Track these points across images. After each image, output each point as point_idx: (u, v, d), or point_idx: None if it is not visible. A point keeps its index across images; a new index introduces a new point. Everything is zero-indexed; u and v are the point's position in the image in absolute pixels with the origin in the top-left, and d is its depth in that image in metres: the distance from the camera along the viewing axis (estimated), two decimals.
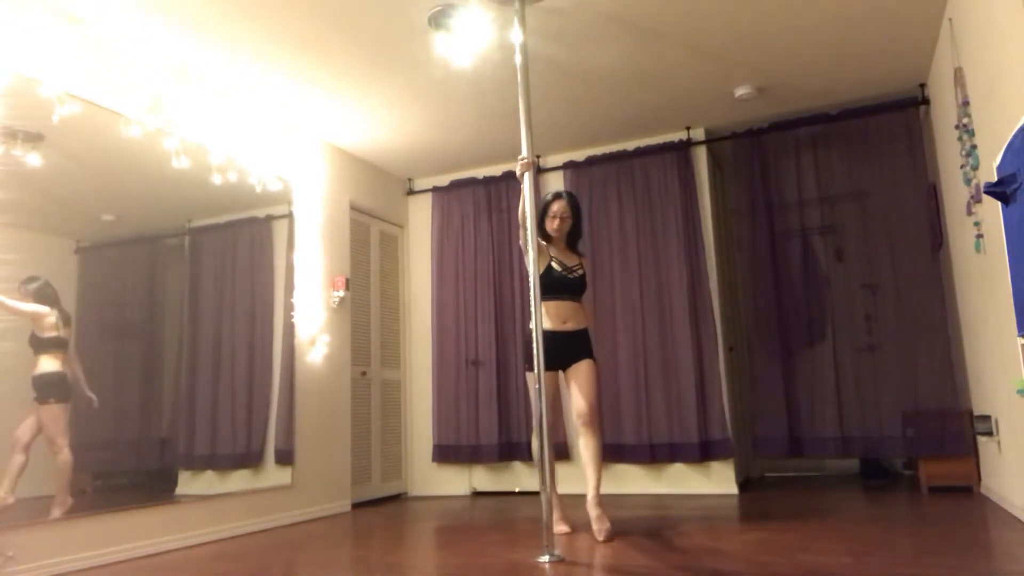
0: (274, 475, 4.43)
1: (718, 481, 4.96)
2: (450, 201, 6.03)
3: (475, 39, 3.90)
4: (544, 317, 3.57)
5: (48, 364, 3.25)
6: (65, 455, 3.26)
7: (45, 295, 3.26)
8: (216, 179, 4.25)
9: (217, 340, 4.18)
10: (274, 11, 3.59)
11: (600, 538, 3.27)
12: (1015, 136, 2.63)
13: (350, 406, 5.22)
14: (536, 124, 4.94)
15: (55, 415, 3.24)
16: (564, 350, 3.58)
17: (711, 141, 5.40)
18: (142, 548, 3.54)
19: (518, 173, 3.35)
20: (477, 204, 5.92)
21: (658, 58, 4.27)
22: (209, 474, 4.02)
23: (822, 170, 5.17)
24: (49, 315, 3.27)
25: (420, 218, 6.20)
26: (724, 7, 3.75)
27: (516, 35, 3.43)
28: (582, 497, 3.51)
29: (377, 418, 5.60)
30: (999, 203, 2.91)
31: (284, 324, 4.68)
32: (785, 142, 5.29)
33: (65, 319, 3.33)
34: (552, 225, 3.68)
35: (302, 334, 4.82)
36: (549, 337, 3.48)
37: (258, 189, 4.57)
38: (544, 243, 3.71)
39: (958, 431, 4.44)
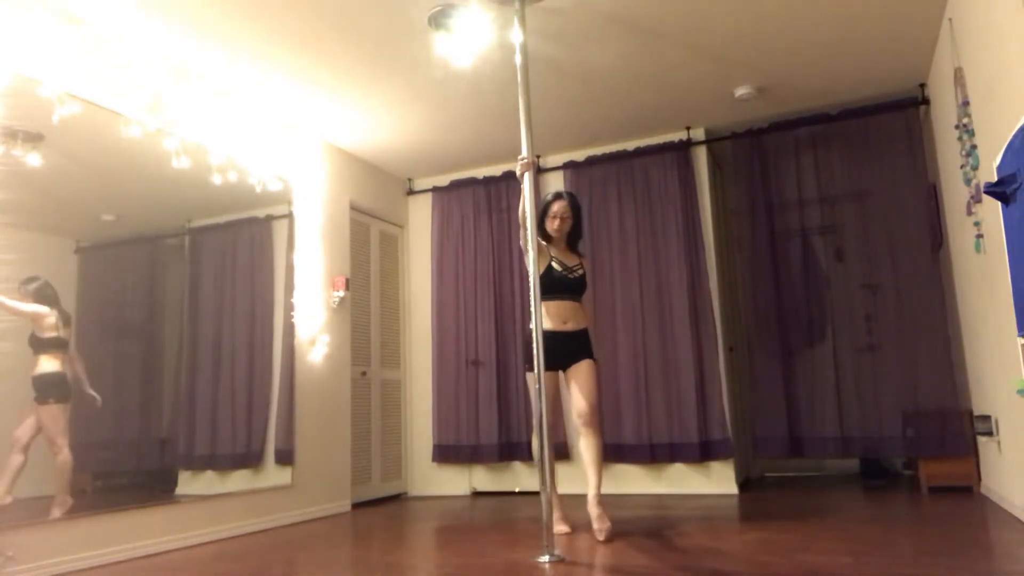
0: (274, 475, 4.43)
1: (718, 481, 4.96)
2: (450, 201, 6.03)
3: (475, 39, 3.90)
4: (544, 317, 3.57)
5: (48, 364, 3.25)
6: (65, 455, 3.26)
7: (45, 295, 3.26)
8: (216, 179, 4.25)
9: (217, 340, 4.18)
10: (274, 11, 3.59)
11: (601, 538, 3.27)
12: (1015, 136, 2.63)
13: (350, 406, 5.22)
14: (536, 124, 4.93)
15: (55, 415, 3.24)
16: (564, 350, 3.58)
17: (711, 141, 5.40)
18: (142, 548, 3.54)
19: (518, 173, 3.35)
20: (477, 204, 5.92)
21: (658, 58, 4.27)
22: (209, 474, 4.02)
23: (822, 170, 5.17)
24: (49, 315, 3.27)
25: (420, 218, 6.20)
26: (724, 7, 3.75)
27: (516, 35, 3.43)
28: (582, 497, 3.51)
29: (377, 418, 5.60)
30: (999, 203, 2.91)
31: (284, 324, 4.68)
32: (785, 142, 5.29)
33: (65, 319, 3.33)
34: (552, 225, 3.68)
35: (302, 334, 4.82)
36: (549, 337, 3.48)
37: (258, 189, 4.57)
38: (544, 243, 3.71)
39: (958, 431, 4.44)
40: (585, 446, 3.48)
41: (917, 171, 4.85)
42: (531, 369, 3.44)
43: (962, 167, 3.75)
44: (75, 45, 3.50)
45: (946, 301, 4.70)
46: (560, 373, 3.64)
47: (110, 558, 3.38)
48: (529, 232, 3.29)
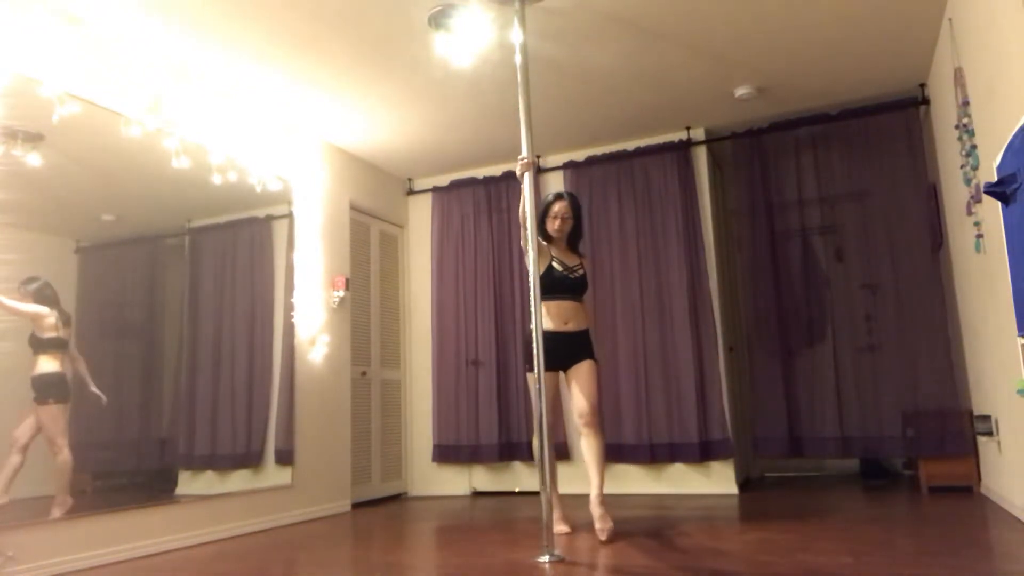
0: (274, 475, 4.43)
1: (718, 481, 4.96)
2: (450, 201, 6.03)
3: (475, 39, 3.90)
4: (545, 317, 3.57)
5: (47, 364, 3.25)
6: (65, 455, 3.26)
7: (45, 295, 3.26)
8: (216, 179, 4.25)
9: (217, 340, 4.18)
10: (274, 11, 3.59)
11: (603, 538, 3.27)
12: (1015, 136, 2.63)
13: (350, 406, 5.22)
14: (536, 124, 4.94)
15: (54, 415, 3.24)
16: (565, 351, 3.58)
17: (711, 141, 5.40)
18: (142, 548, 3.54)
19: (518, 173, 3.35)
20: (477, 204, 5.92)
21: (658, 58, 4.27)
22: (209, 474, 4.02)
23: (822, 170, 5.17)
24: (49, 315, 3.27)
25: (420, 218, 6.20)
26: (724, 7, 3.75)
27: (516, 35, 3.43)
28: (582, 497, 3.51)
29: (377, 418, 5.60)
30: (999, 203, 2.91)
31: (284, 324, 4.68)
32: (785, 142, 5.29)
33: (65, 319, 3.33)
34: (553, 225, 3.68)
35: (302, 334, 4.82)
36: (550, 338, 3.48)
37: (258, 189, 4.57)
38: (545, 243, 3.71)
39: (958, 431, 4.44)
40: (586, 446, 3.49)
41: (917, 171, 4.85)
42: (532, 369, 3.44)
43: (962, 167, 3.75)
44: (75, 45, 3.50)
45: (946, 301, 4.70)
46: (561, 373, 3.64)
47: (110, 558, 3.38)
48: (529, 232, 3.29)
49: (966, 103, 3.57)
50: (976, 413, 4.30)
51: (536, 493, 5.12)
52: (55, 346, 3.28)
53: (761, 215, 5.25)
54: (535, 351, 3.16)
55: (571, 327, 3.62)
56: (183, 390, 3.93)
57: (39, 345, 3.22)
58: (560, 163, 5.71)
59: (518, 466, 5.58)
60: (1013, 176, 2.65)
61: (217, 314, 4.20)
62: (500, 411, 5.54)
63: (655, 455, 5.06)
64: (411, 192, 6.25)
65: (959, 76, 3.66)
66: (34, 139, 3.28)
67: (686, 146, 5.33)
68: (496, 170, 5.95)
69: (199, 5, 3.51)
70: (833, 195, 5.13)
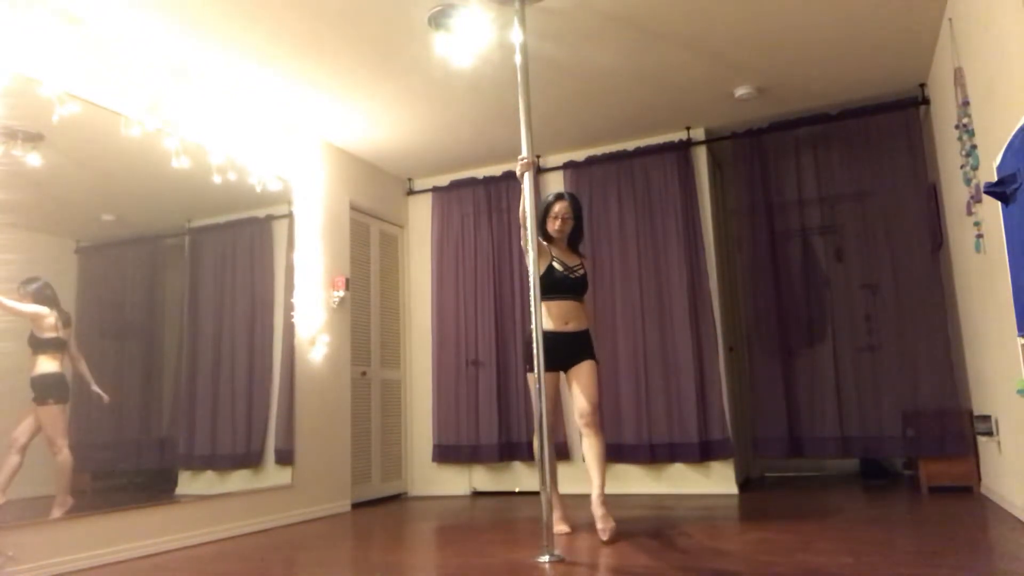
0: (274, 475, 4.43)
1: (718, 481, 4.96)
2: (450, 201, 6.03)
3: (475, 39, 3.90)
4: (546, 318, 3.57)
5: (47, 365, 3.25)
6: (65, 455, 3.26)
7: (44, 296, 3.26)
8: (216, 179, 4.25)
9: (217, 340, 4.18)
10: (274, 11, 3.59)
11: (604, 538, 3.26)
12: (1015, 136, 2.63)
13: (350, 406, 5.22)
14: (536, 124, 4.94)
15: (54, 416, 3.24)
16: (566, 351, 3.58)
17: (711, 141, 5.40)
18: (142, 548, 3.54)
19: (518, 173, 3.35)
20: (477, 204, 5.92)
21: (658, 58, 4.27)
22: (209, 474, 4.02)
23: (822, 170, 5.17)
24: (48, 316, 3.27)
25: (420, 218, 6.20)
26: (724, 7, 3.75)
27: (516, 35, 3.43)
28: (582, 497, 3.51)
29: (377, 418, 5.60)
30: (999, 203, 2.91)
31: (284, 324, 4.68)
32: (785, 142, 5.29)
33: (64, 320, 3.33)
34: (554, 226, 3.68)
35: (302, 334, 4.82)
36: (551, 338, 3.48)
37: (258, 189, 4.57)
38: (546, 243, 3.71)
39: (958, 431, 4.44)
40: (587, 447, 3.48)
41: (917, 171, 4.85)
42: (532, 370, 3.44)
43: (962, 167, 3.75)
44: (75, 45, 3.50)
45: (946, 301, 4.70)
46: (561, 374, 3.64)
47: (110, 558, 3.38)
48: (529, 232, 3.29)
49: (966, 103, 3.57)
50: (976, 413, 4.30)
51: (536, 493, 5.13)
52: (54, 346, 3.28)
53: (761, 215, 5.25)
54: (535, 351, 3.16)
55: (571, 327, 3.62)
56: (183, 390, 3.93)
57: (38, 345, 3.22)
58: (560, 163, 5.71)
59: (518, 466, 5.58)
60: (1013, 176, 2.65)
61: (217, 314, 4.20)
62: (500, 411, 5.54)
63: (655, 455, 5.06)
64: (411, 192, 6.25)
65: (959, 76, 3.66)
66: (34, 139, 3.28)
67: (686, 146, 5.33)
68: (496, 170, 5.95)
69: (199, 5, 3.51)
70: (833, 195, 5.13)
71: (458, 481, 5.72)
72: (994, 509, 3.72)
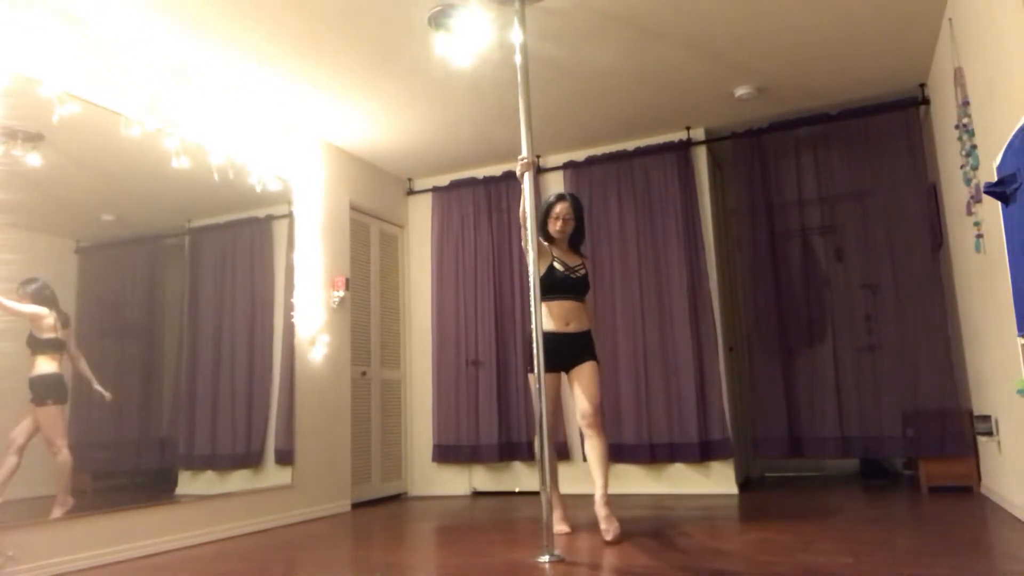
0: (274, 475, 4.43)
1: (718, 481, 4.96)
2: (450, 201, 6.03)
3: (475, 39, 3.90)
4: (547, 318, 3.57)
5: (46, 365, 3.24)
6: (64, 455, 3.26)
7: (44, 296, 3.26)
8: (216, 179, 4.25)
9: (217, 340, 4.18)
10: (274, 11, 3.59)
11: (608, 538, 3.26)
12: (1015, 136, 2.63)
13: (350, 406, 5.22)
14: (536, 124, 4.94)
15: (53, 416, 3.24)
16: (567, 351, 3.58)
17: (711, 141, 5.40)
18: (142, 548, 3.54)
19: (518, 173, 3.35)
20: (477, 204, 5.92)
21: (658, 58, 4.27)
22: (209, 474, 4.02)
23: (822, 170, 5.17)
24: (48, 316, 3.26)
25: (420, 218, 6.20)
26: (724, 7, 3.75)
27: (516, 35, 3.43)
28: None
29: (377, 418, 5.60)
30: (999, 203, 2.91)
31: (284, 324, 4.68)
32: (785, 142, 5.29)
33: (64, 320, 3.33)
34: (555, 226, 3.68)
35: (302, 334, 4.82)
36: (552, 339, 3.48)
37: (258, 189, 4.57)
38: (547, 244, 3.71)
39: (958, 431, 4.44)
40: (590, 448, 3.48)
41: (917, 171, 4.85)
42: (534, 370, 3.43)
43: (962, 167, 3.75)
44: (75, 45, 3.50)
45: (946, 301, 4.70)
46: (562, 374, 3.64)
47: (110, 558, 3.38)
48: (529, 232, 3.29)
49: (966, 103, 3.57)
50: (976, 413, 4.30)
51: (536, 493, 5.13)
52: (53, 347, 3.28)
53: (761, 215, 5.25)
54: (535, 351, 3.16)
55: (572, 328, 3.61)
56: (183, 390, 3.93)
57: (37, 346, 3.22)
58: (560, 163, 5.71)
59: (518, 466, 5.58)
60: (1013, 176, 2.65)
61: (217, 314, 4.20)
62: (500, 411, 5.54)
63: (655, 455, 5.06)
64: (411, 192, 6.25)
65: (959, 76, 3.66)
66: (34, 139, 3.28)
67: (686, 146, 5.33)
68: (496, 170, 5.95)
69: (199, 5, 3.51)
70: (833, 195, 5.13)
71: (458, 481, 5.72)
72: (994, 509, 3.72)
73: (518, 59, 3.40)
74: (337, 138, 5.27)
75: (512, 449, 5.50)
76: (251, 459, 4.29)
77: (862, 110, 5.01)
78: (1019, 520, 3.34)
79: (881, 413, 4.80)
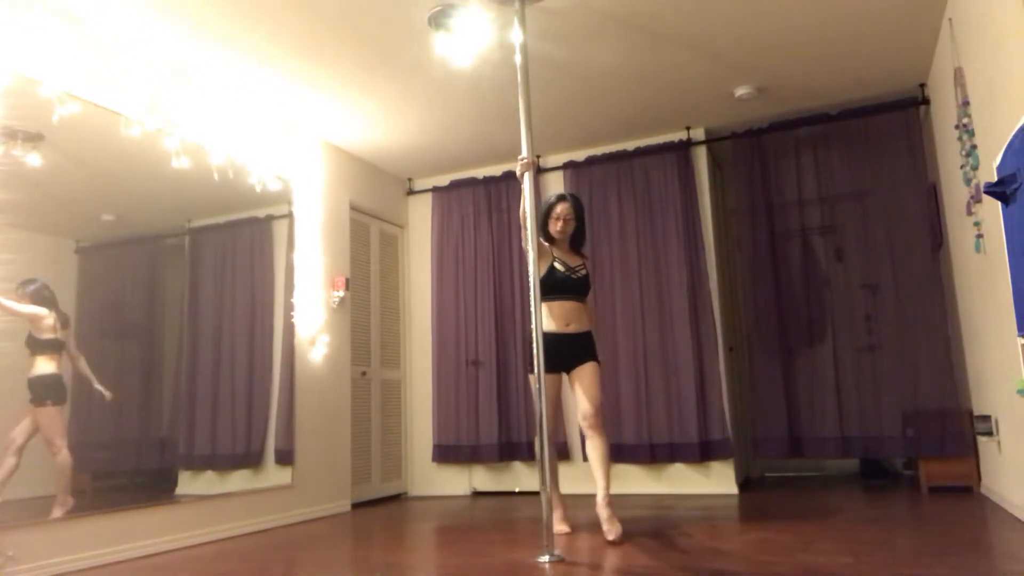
0: (274, 475, 4.43)
1: (718, 481, 4.96)
2: (450, 201, 6.03)
3: (475, 39, 3.90)
4: (548, 319, 3.57)
5: (45, 366, 3.24)
6: (64, 456, 3.26)
7: (43, 297, 3.26)
8: (216, 179, 4.25)
9: (217, 340, 4.18)
10: (274, 11, 3.59)
11: (610, 538, 3.25)
12: (1015, 136, 2.63)
13: (350, 406, 5.22)
14: (536, 124, 4.94)
15: (52, 417, 3.23)
16: (567, 352, 3.58)
17: (711, 141, 5.40)
18: (142, 548, 3.54)
19: (518, 173, 3.35)
20: (477, 204, 5.92)
21: (658, 58, 4.27)
22: (209, 474, 4.02)
23: (822, 170, 5.17)
24: (47, 317, 3.26)
25: (420, 218, 6.20)
26: (724, 7, 3.75)
27: (516, 35, 3.43)
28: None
29: (377, 418, 5.60)
30: (999, 203, 2.91)
31: (284, 324, 4.68)
32: (785, 142, 5.29)
33: (63, 321, 3.33)
34: (556, 227, 3.68)
35: (302, 334, 4.82)
36: (552, 339, 3.49)
37: (258, 189, 4.57)
38: (547, 244, 3.71)
39: (958, 431, 4.44)
40: (591, 449, 3.47)
41: (917, 171, 4.85)
42: (534, 371, 3.43)
43: (962, 167, 3.75)
44: (75, 45, 3.50)
45: (946, 301, 4.70)
46: (563, 375, 3.64)
47: (110, 558, 3.38)
48: (529, 232, 3.29)
49: (966, 103, 3.57)
50: (976, 413, 4.30)
51: (536, 493, 5.13)
52: (52, 347, 3.28)
53: (761, 215, 5.25)
54: (535, 351, 3.16)
55: (573, 328, 3.61)
56: (183, 390, 3.93)
57: (36, 346, 3.22)
58: (560, 163, 5.71)
59: (518, 466, 5.58)
60: (1013, 176, 2.65)
61: (217, 314, 4.20)
62: (500, 411, 5.54)
63: (655, 455, 5.06)
64: (411, 192, 6.25)
65: (959, 76, 3.66)
66: (34, 139, 3.28)
67: (686, 146, 5.33)
68: (496, 170, 5.95)
69: (199, 5, 3.51)
70: (833, 195, 5.14)
71: (458, 481, 5.72)
72: (994, 509, 3.72)
73: (518, 59, 3.39)
74: (337, 138, 5.27)
75: (512, 449, 5.50)
76: (251, 459, 4.29)
77: (862, 110, 5.01)
78: (1019, 520, 3.34)
79: (881, 413, 4.80)
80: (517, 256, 5.68)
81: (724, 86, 4.71)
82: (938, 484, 4.48)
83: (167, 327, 3.89)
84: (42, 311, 3.25)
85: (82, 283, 3.44)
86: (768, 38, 4.11)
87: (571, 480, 5.02)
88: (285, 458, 4.52)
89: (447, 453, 5.66)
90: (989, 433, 3.93)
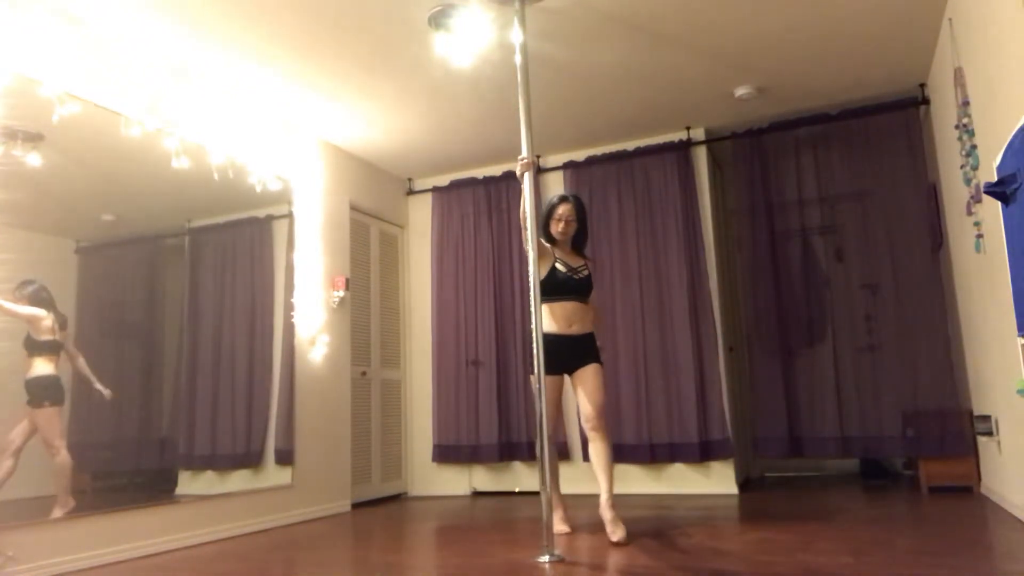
0: (274, 475, 4.43)
1: (718, 481, 4.96)
2: (450, 201, 6.03)
3: (475, 39, 3.90)
4: (550, 320, 3.56)
5: (43, 367, 3.24)
6: (63, 456, 3.26)
7: (41, 298, 3.25)
8: (216, 179, 4.25)
9: (217, 340, 4.18)
10: (274, 11, 3.59)
11: (614, 539, 3.24)
12: (1015, 136, 2.63)
13: (350, 406, 5.22)
14: (536, 124, 4.94)
15: (50, 418, 3.23)
16: (570, 353, 3.57)
17: (711, 141, 5.40)
18: (142, 548, 3.54)
19: (518, 173, 3.35)
20: (477, 204, 5.92)
21: (658, 58, 4.27)
22: (209, 474, 4.02)
23: (822, 170, 5.17)
24: (45, 318, 3.26)
25: (420, 218, 6.20)
26: (724, 7, 3.75)
27: (516, 35, 3.43)
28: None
29: (377, 418, 5.60)
30: (999, 203, 2.91)
31: (284, 324, 4.68)
32: (785, 142, 5.29)
33: (61, 322, 3.33)
34: (557, 228, 3.67)
35: (302, 334, 4.82)
36: (555, 341, 3.49)
37: (258, 189, 4.57)
38: (549, 245, 3.70)
39: (958, 431, 4.44)
40: (594, 451, 3.47)
41: (917, 171, 4.85)
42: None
43: (962, 167, 3.75)
44: (75, 45, 3.50)
45: (946, 301, 4.70)
46: (565, 376, 3.64)
47: (110, 558, 3.38)
48: (529, 232, 3.29)
49: (966, 103, 3.57)
50: (976, 413, 4.30)
51: (536, 493, 5.13)
52: (50, 349, 3.27)
53: (761, 215, 5.25)
54: (535, 352, 3.16)
55: (575, 330, 3.60)
56: (183, 390, 3.93)
57: (34, 347, 3.21)
58: (560, 163, 5.71)
59: (518, 466, 5.57)
60: (1013, 176, 2.65)
61: (217, 314, 4.20)
62: (500, 411, 5.54)
63: (655, 455, 5.06)
64: (411, 192, 6.25)
65: (959, 76, 3.66)
66: (34, 139, 3.28)
67: (686, 146, 5.33)
68: (496, 170, 5.95)
69: (199, 5, 3.51)
70: (833, 195, 5.14)
71: (458, 481, 5.72)
72: (994, 509, 3.72)
73: (518, 59, 3.39)
74: (337, 138, 5.27)
75: (512, 449, 5.50)
76: (251, 459, 4.29)
77: (862, 110, 5.01)
78: (1019, 520, 3.34)
79: (881, 413, 4.80)
80: (517, 256, 5.68)
81: (724, 86, 4.71)
82: (938, 484, 4.48)
83: (167, 327, 3.89)
84: (40, 312, 3.24)
85: (82, 283, 3.44)
86: (768, 38, 4.11)
87: (571, 480, 5.02)
88: (285, 458, 4.52)
89: (447, 453, 5.66)
90: (989, 433, 3.93)
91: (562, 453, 5.25)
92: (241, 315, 4.36)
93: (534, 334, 3.19)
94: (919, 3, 3.81)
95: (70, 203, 3.43)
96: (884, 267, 4.89)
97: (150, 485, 3.69)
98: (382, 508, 5.12)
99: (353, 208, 5.55)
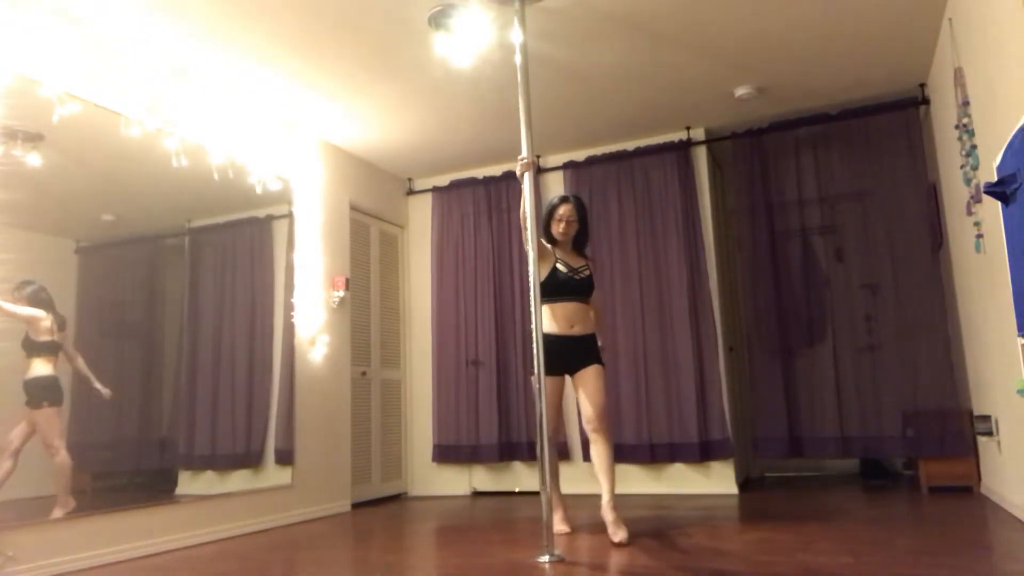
0: (274, 475, 4.43)
1: (718, 481, 4.96)
2: (450, 201, 6.03)
3: (475, 39, 3.90)
4: (551, 320, 3.56)
5: (41, 368, 3.24)
6: (63, 457, 3.26)
7: (40, 299, 3.25)
8: (216, 179, 4.25)
9: (217, 340, 4.18)
10: (274, 11, 3.59)
11: (616, 540, 3.24)
12: (1015, 136, 2.63)
13: (350, 406, 5.22)
14: (536, 124, 4.94)
15: (49, 418, 3.23)
16: (571, 354, 3.57)
17: (711, 141, 5.40)
18: (142, 548, 3.54)
19: (518, 173, 3.35)
20: (477, 204, 5.92)
21: (658, 58, 4.27)
22: (209, 474, 4.02)
23: (822, 170, 5.17)
24: (44, 319, 3.26)
25: (420, 218, 6.20)
26: (724, 7, 3.75)
27: (516, 35, 3.43)
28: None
29: (377, 418, 5.60)
30: (999, 203, 2.91)
31: (284, 324, 4.68)
32: (785, 142, 5.29)
33: (60, 323, 3.32)
34: (558, 228, 3.67)
35: (302, 334, 4.82)
36: (556, 342, 3.48)
37: (258, 189, 4.57)
38: (550, 246, 3.70)
39: (958, 431, 4.44)
40: (595, 453, 3.47)
41: (917, 171, 4.85)
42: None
43: (962, 167, 3.75)
44: (75, 45, 3.50)
45: (946, 301, 4.70)
46: (566, 377, 3.64)
47: (110, 558, 3.38)
48: (529, 232, 3.28)
49: (966, 103, 3.57)
50: (976, 413, 4.30)
51: (536, 493, 5.12)
52: (49, 349, 3.27)
53: (761, 215, 5.25)
54: (535, 352, 3.16)
55: (577, 331, 3.60)
56: (183, 390, 3.93)
57: (33, 348, 3.21)
58: (560, 163, 5.71)
59: (518, 466, 5.57)
60: (1013, 176, 2.65)
61: (217, 314, 4.20)
62: (500, 411, 5.54)
63: (655, 455, 5.06)
64: (411, 192, 6.25)
65: (959, 76, 3.66)
66: (34, 139, 3.28)
67: (686, 146, 5.33)
68: (496, 170, 5.95)
69: (199, 5, 3.51)
70: (833, 195, 5.14)
71: (458, 481, 5.72)
72: (994, 509, 3.72)
73: (518, 59, 3.39)
74: (337, 138, 5.27)
75: (512, 449, 5.50)
76: (251, 459, 4.29)
77: (862, 110, 5.01)
78: (1019, 520, 3.34)
79: (881, 413, 4.80)
80: (517, 256, 5.68)
81: (724, 86, 4.71)
82: (938, 484, 4.48)
83: (167, 327, 3.89)
84: (39, 313, 3.24)
85: (82, 283, 3.44)
86: (768, 38, 4.11)
87: (571, 480, 5.02)
88: (285, 458, 4.52)
89: (447, 453, 5.66)
90: (989, 433, 3.93)
91: (562, 453, 5.24)
92: (241, 315, 4.36)
93: (534, 334, 3.19)
94: (919, 3, 3.81)
95: (70, 203, 3.43)
96: (884, 267, 4.89)
97: (150, 485, 3.69)
98: (382, 508, 5.12)
99: (353, 208, 5.55)
